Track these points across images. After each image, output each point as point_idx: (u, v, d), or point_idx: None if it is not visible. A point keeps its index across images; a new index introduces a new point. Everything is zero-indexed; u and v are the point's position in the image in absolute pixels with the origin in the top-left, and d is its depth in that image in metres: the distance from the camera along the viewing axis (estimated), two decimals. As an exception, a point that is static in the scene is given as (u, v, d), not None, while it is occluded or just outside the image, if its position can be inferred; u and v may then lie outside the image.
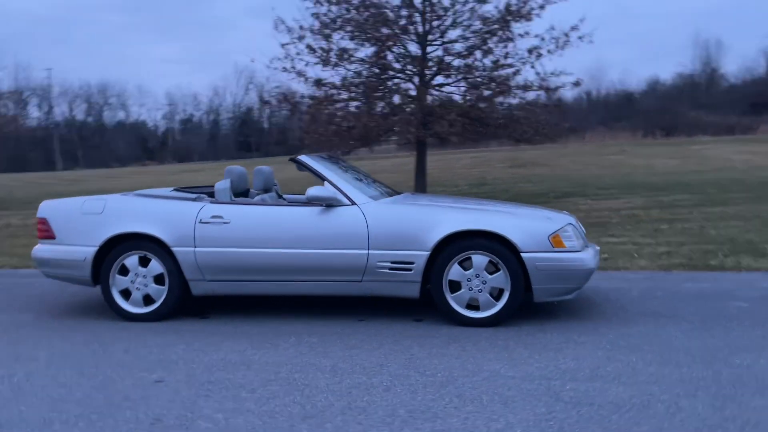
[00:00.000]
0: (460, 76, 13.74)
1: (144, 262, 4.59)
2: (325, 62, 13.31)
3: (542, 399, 3.00)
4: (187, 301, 4.74)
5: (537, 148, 28.69)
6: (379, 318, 4.56)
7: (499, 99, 13.52)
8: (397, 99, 13.96)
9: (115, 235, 4.56)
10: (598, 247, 4.88)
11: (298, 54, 13.47)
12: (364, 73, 13.53)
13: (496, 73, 13.16)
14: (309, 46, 13.23)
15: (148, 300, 4.62)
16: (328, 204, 4.44)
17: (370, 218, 4.39)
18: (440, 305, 4.35)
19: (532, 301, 4.39)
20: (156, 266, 4.56)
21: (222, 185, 4.82)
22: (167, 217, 4.56)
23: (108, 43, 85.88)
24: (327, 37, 13.06)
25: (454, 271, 4.31)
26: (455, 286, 4.33)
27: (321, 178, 4.60)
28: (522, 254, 4.23)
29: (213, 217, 4.52)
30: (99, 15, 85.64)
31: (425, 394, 3.08)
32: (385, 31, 12.75)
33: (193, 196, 4.76)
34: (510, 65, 13.17)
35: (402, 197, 5.09)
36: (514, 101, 13.93)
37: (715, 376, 3.25)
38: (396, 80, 14.04)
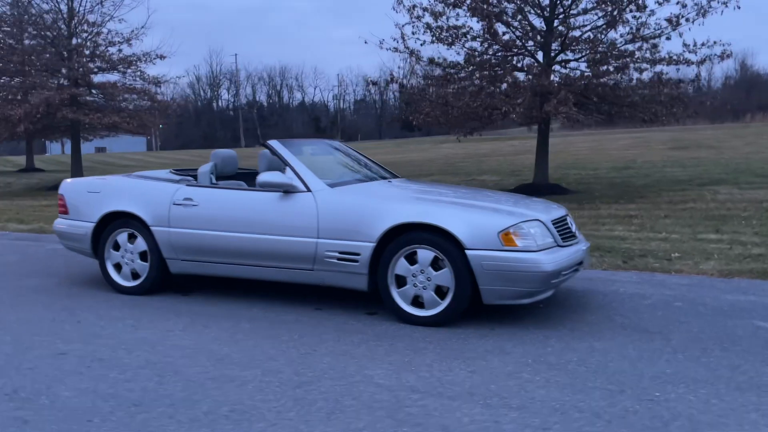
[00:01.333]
0: (586, 51, 12.73)
1: (132, 239, 4.93)
2: (442, 40, 13.08)
3: (378, 411, 2.76)
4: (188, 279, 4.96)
5: (713, 128, 25.90)
6: (335, 308, 4.47)
7: (630, 75, 12.37)
8: (518, 77, 13.26)
9: (107, 212, 4.94)
10: (583, 247, 4.32)
11: (414, 33, 13.36)
12: (480, 49, 13.07)
13: (629, 46, 12.04)
14: (427, 25, 13.01)
15: (135, 275, 4.95)
16: (286, 190, 4.42)
17: (321, 206, 4.30)
18: (385, 300, 4.16)
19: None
20: (141, 243, 4.87)
21: (203, 168, 5.00)
22: (150, 199, 4.84)
23: (293, 29, 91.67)
24: (439, 16, 12.77)
25: (400, 266, 4.09)
26: (401, 281, 4.11)
27: (284, 163, 4.58)
28: (467, 251, 3.89)
29: (185, 199, 4.71)
30: (289, 2, 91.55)
31: (273, 393, 2.98)
32: (507, 4, 12.21)
33: (178, 178, 4.99)
34: (645, 37, 11.97)
35: (377, 184, 4.87)
36: (647, 77, 12.64)
37: (622, 412, 2.76)
38: (518, 57, 13.42)
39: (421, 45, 13.51)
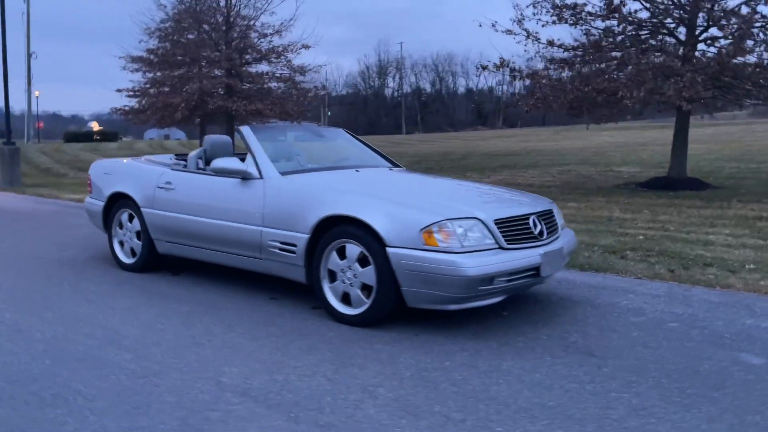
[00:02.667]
0: (735, 27, 11.11)
1: (131, 219, 5.22)
2: (565, 19, 12.24)
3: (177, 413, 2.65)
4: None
5: None
6: (288, 299, 4.37)
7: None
8: (649, 58, 11.94)
9: (112, 192, 5.28)
10: (541, 251, 3.78)
11: (535, 14, 12.62)
12: (609, 28, 11.99)
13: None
14: (554, 4, 12.17)
15: (133, 253, 5.24)
16: (243, 177, 4.39)
17: (268, 194, 4.21)
18: (318, 295, 3.98)
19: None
20: (137, 224, 5.14)
21: (193, 154, 5.12)
22: (142, 182, 5.09)
23: (463, 14, 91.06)
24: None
25: (332, 260, 3.89)
26: (333, 276, 3.91)
27: (248, 150, 4.55)
28: (387, 249, 3.59)
29: (166, 183, 4.88)
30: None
31: (137, 382, 2.98)
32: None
33: (171, 163, 5.17)
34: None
35: (336, 173, 4.63)
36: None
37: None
38: (654, 35, 12.13)
39: (542, 26, 12.75)
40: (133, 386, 2.87)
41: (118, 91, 20.72)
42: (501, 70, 13.06)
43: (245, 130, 4.68)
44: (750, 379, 3.02)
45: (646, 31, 12.34)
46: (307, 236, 3.94)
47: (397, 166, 5.27)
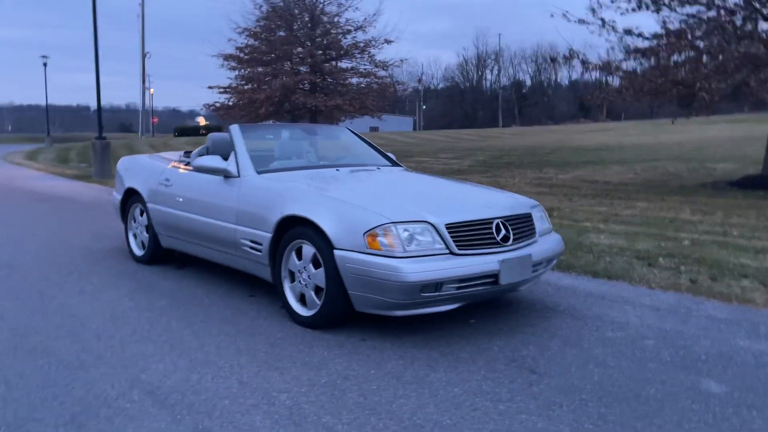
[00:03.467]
0: None
1: (142, 213, 5.45)
2: (646, 5, 11.53)
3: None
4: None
5: None
6: (266, 298, 4.40)
7: None
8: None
9: (126, 188, 5.54)
10: (500, 258, 3.56)
11: (613, 1, 11.98)
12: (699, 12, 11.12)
13: None
14: None
15: (143, 245, 5.47)
16: (225, 175, 4.45)
17: (242, 192, 4.25)
18: (280, 294, 3.98)
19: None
20: (145, 218, 5.36)
21: (195, 151, 5.26)
22: (149, 178, 5.30)
23: (565, 3, 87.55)
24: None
25: (292, 260, 3.87)
26: (293, 276, 3.89)
27: (233, 148, 4.60)
28: (335, 251, 3.53)
29: (166, 179, 5.05)
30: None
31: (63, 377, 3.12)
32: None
33: (177, 160, 5.34)
34: None
35: (313, 173, 4.56)
36: None
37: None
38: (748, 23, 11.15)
39: (621, 14, 12.06)
40: (57, 378, 2.99)
41: (210, 88, 21.73)
42: (570, 62, 12.48)
43: (233, 128, 4.75)
44: (694, 409, 2.71)
45: (738, 17, 11.33)
46: (270, 235, 3.94)
47: (397, 165, 5.16)
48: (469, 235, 3.55)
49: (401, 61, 22.03)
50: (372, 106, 21.18)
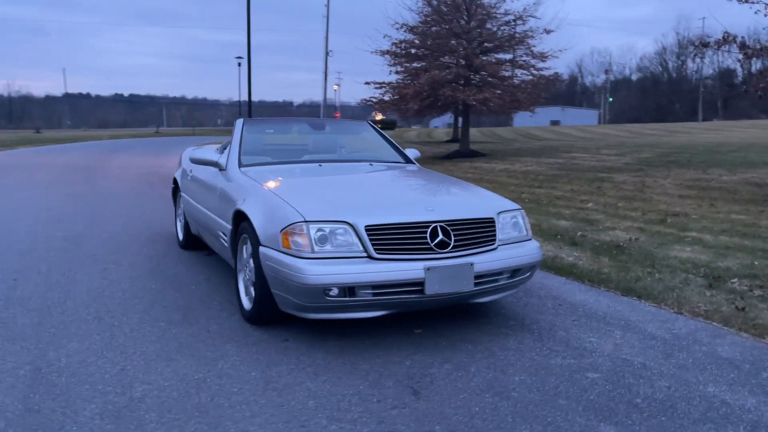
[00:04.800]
0: None
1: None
2: None
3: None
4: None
5: None
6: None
7: None
8: None
9: (174, 178, 5.94)
10: (426, 265, 3.24)
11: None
12: None
13: None
14: None
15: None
16: (220, 168, 4.58)
17: (223, 184, 4.35)
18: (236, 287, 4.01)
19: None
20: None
21: (222, 145, 5.45)
22: (183, 169, 5.63)
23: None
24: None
25: (244, 253, 3.89)
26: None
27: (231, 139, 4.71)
28: (260, 247, 3.49)
29: (190, 170, 5.33)
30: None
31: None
32: None
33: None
34: None
35: (294, 167, 4.49)
36: None
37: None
38: None
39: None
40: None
41: (366, 83, 22.39)
42: (724, 47, 10.92)
43: (237, 122, 4.86)
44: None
45: None
46: (230, 227, 3.99)
47: (410, 163, 4.91)
48: (393, 238, 3.28)
49: (561, 51, 20.84)
50: (523, 100, 20.33)
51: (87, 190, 10.93)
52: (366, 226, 3.25)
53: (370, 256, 3.23)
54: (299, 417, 2.56)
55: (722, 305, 4.13)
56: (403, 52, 21.71)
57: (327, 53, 43.80)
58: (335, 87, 56.72)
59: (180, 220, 5.82)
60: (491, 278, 3.47)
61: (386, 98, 22.05)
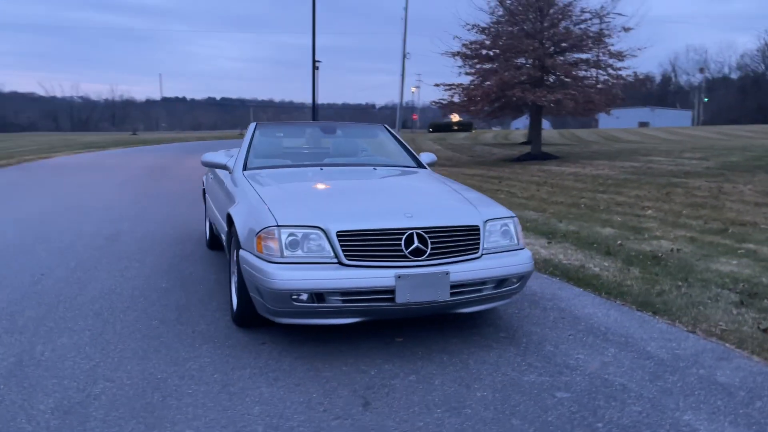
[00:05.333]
0: None
1: (211, 203, 5.96)
2: None
3: None
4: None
5: None
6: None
7: None
8: None
9: (202, 179, 6.12)
10: (397, 273, 3.15)
11: None
12: None
13: None
14: None
15: (210, 233, 5.98)
16: (229, 170, 4.66)
17: (229, 187, 4.42)
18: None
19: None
20: (210, 207, 5.87)
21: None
22: (208, 172, 5.78)
23: None
24: None
25: (235, 255, 3.93)
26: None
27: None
28: (240, 250, 3.53)
29: (211, 173, 5.46)
30: None
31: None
32: None
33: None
34: None
35: (294, 171, 4.51)
36: None
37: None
38: None
39: None
40: None
41: (436, 85, 22.25)
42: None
43: (251, 125, 4.93)
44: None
45: None
46: (227, 229, 4.06)
47: (422, 167, 4.82)
48: (364, 244, 3.22)
49: (640, 49, 19.91)
50: (599, 102, 19.57)
51: (150, 190, 11.46)
52: (338, 232, 3.21)
53: (340, 262, 3.18)
54: (238, 422, 2.55)
55: (744, 325, 3.80)
56: (474, 53, 21.42)
57: (404, 55, 43.86)
58: (413, 89, 56.93)
59: (207, 221, 5.98)
60: (472, 288, 3.34)
61: (455, 100, 21.83)
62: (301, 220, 3.28)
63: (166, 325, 3.77)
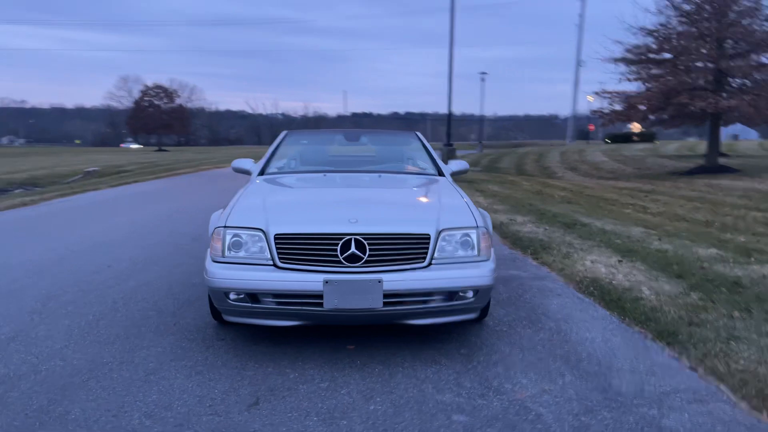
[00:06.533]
0: None
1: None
2: None
3: None
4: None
5: None
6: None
7: None
8: None
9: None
10: (325, 278, 3.11)
11: None
12: None
13: None
14: None
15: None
16: (250, 175, 4.87)
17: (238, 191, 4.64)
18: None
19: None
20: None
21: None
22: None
23: None
24: None
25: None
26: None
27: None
28: (208, 249, 3.71)
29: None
30: None
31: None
32: None
33: None
34: None
35: (306, 177, 4.56)
36: None
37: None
38: None
39: None
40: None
41: (596, 94, 21.05)
42: None
43: (282, 133, 5.13)
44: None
45: None
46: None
47: (440, 175, 4.67)
48: (299, 248, 3.22)
49: None
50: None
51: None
52: (275, 235, 3.25)
53: (275, 264, 3.22)
54: (123, 408, 2.70)
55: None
56: (638, 58, 19.94)
57: (578, 63, 42.07)
58: (590, 98, 53.83)
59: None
60: (414, 299, 3.19)
61: (616, 108, 20.49)
62: (246, 223, 3.37)
63: (160, 317, 4.03)
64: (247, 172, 4.82)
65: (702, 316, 4.02)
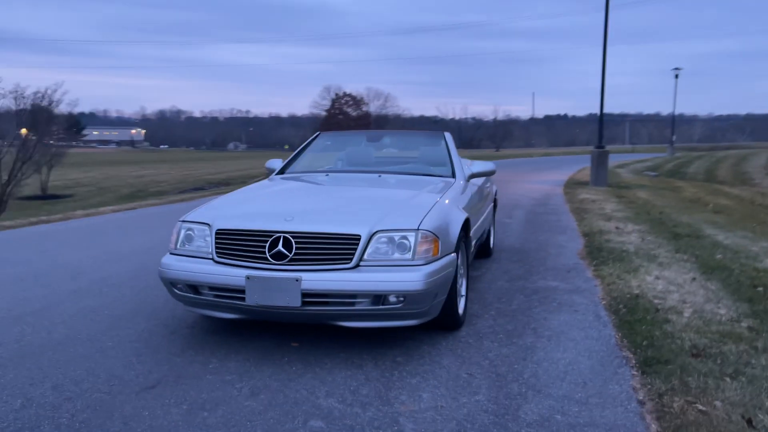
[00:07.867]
0: None
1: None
2: None
3: None
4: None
5: None
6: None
7: None
8: None
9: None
10: (247, 274, 3.16)
11: None
12: None
13: None
14: None
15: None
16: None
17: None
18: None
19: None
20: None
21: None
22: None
23: None
24: None
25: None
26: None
27: (299, 149, 5.15)
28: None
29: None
30: None
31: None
32: None
33: None
34: None
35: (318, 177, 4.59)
36: None
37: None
38: None
39: None
40: None
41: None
42: None
43: (315, 135, 5.26)
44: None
45: None
46: None
47: (452, 177, 4.48)
48: (233, 244, 3.31)
49: None
50: None
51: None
52: (216, 230, 3.39)
53: (213, 258, 3.36)
54: (69, 388, 2.86)
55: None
56: None
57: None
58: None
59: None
60: (336, 300, 3.12)
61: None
62: (198, 218, 3.54)
63: (160, 311, 4.18)
64: (273, 171, 5.01)
65: (725, 348, 3.38)
